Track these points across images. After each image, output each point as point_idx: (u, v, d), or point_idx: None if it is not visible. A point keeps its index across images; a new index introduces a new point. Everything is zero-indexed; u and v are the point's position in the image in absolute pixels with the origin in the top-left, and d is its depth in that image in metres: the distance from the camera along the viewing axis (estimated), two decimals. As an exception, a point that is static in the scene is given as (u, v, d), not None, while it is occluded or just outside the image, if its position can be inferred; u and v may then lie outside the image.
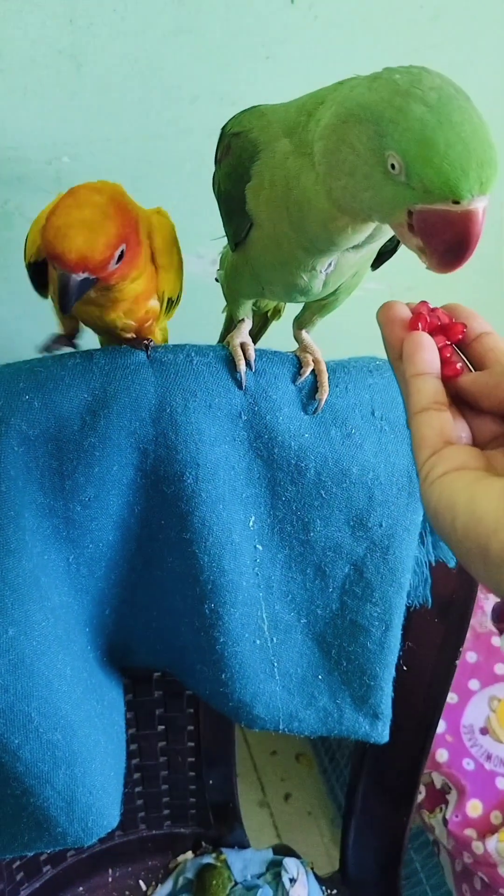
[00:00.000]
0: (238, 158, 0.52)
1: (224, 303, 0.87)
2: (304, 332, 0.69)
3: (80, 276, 0.52)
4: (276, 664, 0.70)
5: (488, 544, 0.34)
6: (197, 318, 1.00)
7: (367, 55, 0.82)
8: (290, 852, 1.04)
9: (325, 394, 0.63)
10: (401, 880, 0.97)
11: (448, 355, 0.43)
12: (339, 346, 0.69)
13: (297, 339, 0.69)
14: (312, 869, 1.03)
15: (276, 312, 0.79)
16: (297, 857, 1.03)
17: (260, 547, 0.67)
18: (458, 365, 0.43)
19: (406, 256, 0.64)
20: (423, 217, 0.41)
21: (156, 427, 0.61)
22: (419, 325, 0.43)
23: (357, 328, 0.80)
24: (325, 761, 1.53)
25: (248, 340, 0.65)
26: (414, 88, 0.38)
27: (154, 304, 0.62)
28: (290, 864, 1.00)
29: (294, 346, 0.69)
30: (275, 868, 1.02)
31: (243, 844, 1.03)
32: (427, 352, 0.42)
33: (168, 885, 1.00)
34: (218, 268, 0.71)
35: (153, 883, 1.01)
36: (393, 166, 0.39)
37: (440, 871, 1.19)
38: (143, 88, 0.78)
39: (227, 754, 0.93)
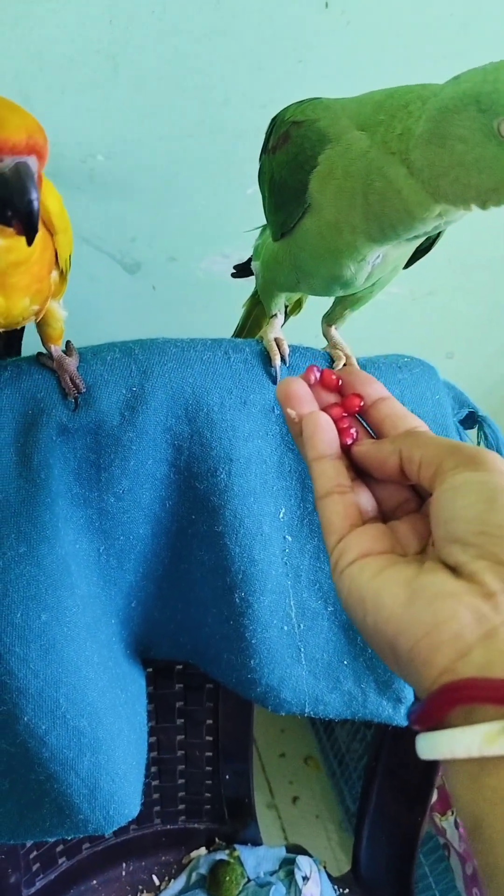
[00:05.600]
0: (300, 147, 0.53)
1: (243, 297, 0.89)
2: (333, 329, 0.70)
3: (33, 163, 0.42)
4: (302, 650, 0.71)
5: (395, 645, 0.33)
6: (218, 316, 1.02)
7: (398, 60, 0.83)
8: (303, 851, 1.05)
9: (357, 388, 0.64)
10: (414, 881, 0.98)
11: (346, 426, 0.43)
12: (358, 349, 0.70)
13: (327, 335, 0.70)
14: (325, 868, 1.03)
15: (297, 306, 0.80)
16: (310, 856, 1.03)
17: (289, 538, 0.68)
18: (356, 433, 0.44)
19: (427, 262, 0.66)
20: None
21: (191, 425, 0.62)
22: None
23: (378, 331, 0.81)
24: (334, 765, 1.53)
25: (282, 335, 0.66)
26: (498, 69, 0.41)
27: (54, 276, 0.56)
28: (303, 862, 1.01)
29: (321, 344, 0.71)
30: (288, 866, 1.02)
31: (256, 842, 1.04)
32: (325, 432, 0.42)
33: (181, 881, 1.01)
34: (252, 258, 0.72)
35: (166, 878, 1.02)
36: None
37: (450, 874, 1.19)
38: (177, 89, 0.79)
39: (244, 750, 0.93)
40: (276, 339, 0.65)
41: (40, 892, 0.94)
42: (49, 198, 0.50)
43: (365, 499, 0.42)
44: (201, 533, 0.68)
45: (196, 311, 0.99)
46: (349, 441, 0.43)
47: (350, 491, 0.41)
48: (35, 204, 0.42)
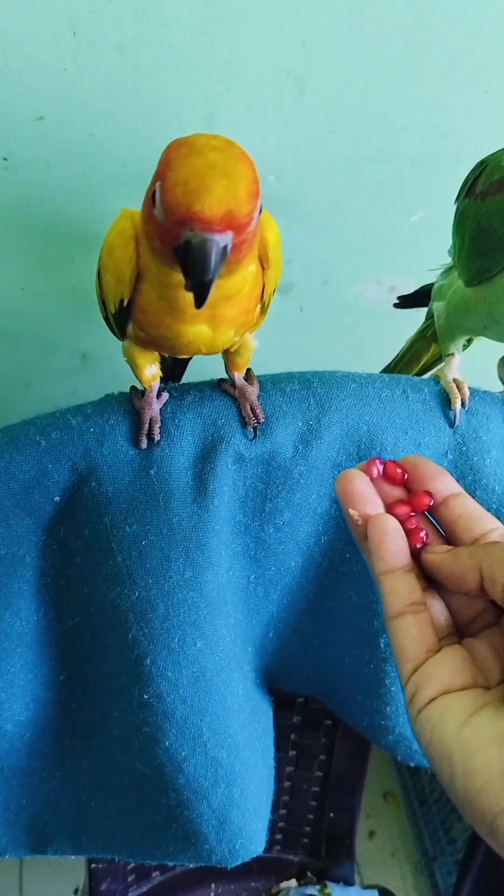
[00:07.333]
0: None
1: (392, 325, 0.86)
2: (509, 374, 0.67)
3: (223, 239, 0.41)
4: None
5: (494, 823, 0.29)
6: (363, 343, 1.00)
7: None
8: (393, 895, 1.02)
9: (545, 440, 0.61)
10: None
11: (415, 527, 0.39)
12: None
13: (504, 380, 0.67)
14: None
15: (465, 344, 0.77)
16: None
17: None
18: (426, 535, 0.40)
19: None
20: None
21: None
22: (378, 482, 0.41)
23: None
24: (415, 804, 1.49)
25: (460, 376, 0.63)
26: None
27: (257, 309, 0.55)
28: (396, 910, 0.98)
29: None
30: (379, 911, 0.99)
31: (349, 881, 1.01)
32: (394, 542, 0.38)
33: (269, 911, 0.99)
34: (432, 298, 0.70)
35: (254, 906, 1.00)
36: None
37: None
38: (359, 114, 0.78)
39: (354, 790, 0.91)
40: (455, 380, 0.63)
41: (131, 903, 0.94)
42: (268, 231, 0.50)
43: (438, 611, 0.38)
44: (354, 572, 0.66)
45: (341, 336, 0.97)
46: (419, 545, 0.39)
47: (424, 609, 0.38)
48: (207, 282, 0.41)
